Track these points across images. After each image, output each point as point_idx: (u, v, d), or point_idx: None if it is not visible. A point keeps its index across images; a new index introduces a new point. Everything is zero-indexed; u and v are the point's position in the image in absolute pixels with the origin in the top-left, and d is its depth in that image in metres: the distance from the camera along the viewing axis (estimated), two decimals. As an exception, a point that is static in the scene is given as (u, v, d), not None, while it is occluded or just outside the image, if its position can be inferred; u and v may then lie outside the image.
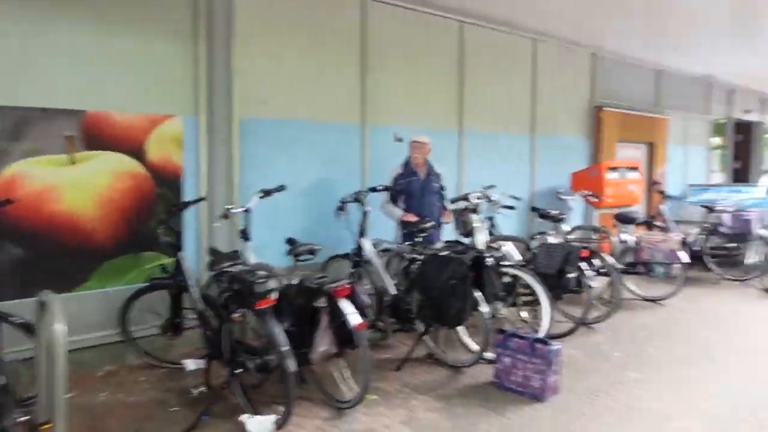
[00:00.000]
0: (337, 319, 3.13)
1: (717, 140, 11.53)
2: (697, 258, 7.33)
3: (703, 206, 7.42)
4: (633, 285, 6.15)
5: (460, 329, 4.08)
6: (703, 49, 8.25)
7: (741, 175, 12.24)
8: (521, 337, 3.54)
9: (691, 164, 10.01)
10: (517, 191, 6.52)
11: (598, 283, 4.72)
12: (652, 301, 5.96)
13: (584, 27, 7.06)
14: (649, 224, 7.43)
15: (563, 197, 6.36)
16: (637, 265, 5.90)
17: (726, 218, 6.84)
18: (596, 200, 6.53)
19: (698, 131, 10.24)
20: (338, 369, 3.35)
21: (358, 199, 4.44)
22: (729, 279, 7.00)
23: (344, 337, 3.15)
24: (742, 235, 6.75)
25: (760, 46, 8.30)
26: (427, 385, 3.71)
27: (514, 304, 4.75)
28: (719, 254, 7.15)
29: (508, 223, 5.97)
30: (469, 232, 4.41)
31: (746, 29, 7.38)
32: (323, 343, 3.12)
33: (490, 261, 3.77)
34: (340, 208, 4.40)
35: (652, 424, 3.20)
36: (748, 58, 8.89)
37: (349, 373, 3.36)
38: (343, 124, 5.25)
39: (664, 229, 7.51)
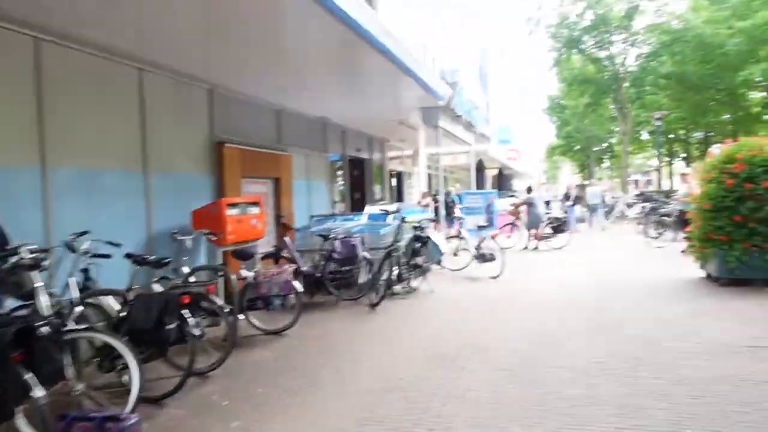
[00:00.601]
0: None
1: (340, 174, 13.08)
2: (321, 283, 7.96)
3: (319, 235, 8.11)
4: (257, 320, 6.16)
5: (20, 421, 3.18)
6: (315, 93, 9.18)
7: (360, 204, 14.19)
8: (87, 419, 2.92)
9: (315, 197, 11.00)
10: (128, 235, 5.83)
11: (200, 330, 4.43)
12: (275, 333, 6.07)
13: (198, 61, 6.93)
14: (276, 257, 7.70)
15: (179, 237, 5.97)
16: (257, 300, 5.93)
17: (337, 245, 7.57)
18: (216, 238, 6.36)
19: (319, 167, 11.35)
20: None
21: None
22: (346, 299, 7.78)
23: None
24: (350, 258, 7.58)
25: (358, 96, 9.74)
26: None
27: (111, 369, 4.09)
28: (336, 278, 7.89)
29: (119, 274, 5.21)
30: (29, 294, 3.54)
31: (348, 80, 8.53)
32: None
33: (44, 330, 3.02)
34: None
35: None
36: (351, 104, 10.35)
37: None
38: None
39: (291, 260, 7.91)
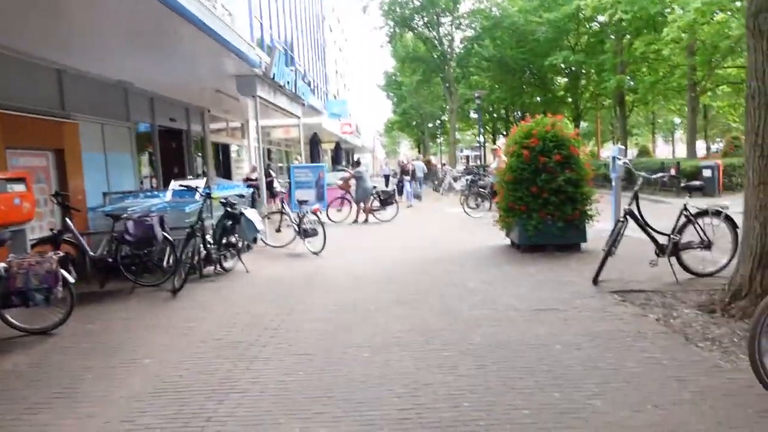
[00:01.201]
0: None
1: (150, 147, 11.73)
2: (115, 269, 6.98)
3: (108, 215, 7.08)
4: (16, 319, 5.12)
5: None
6: (107, 54, 7.91)
7: (180, 178, 12.97)
8: None
9: (116, 172, 9.70)
10: None
11: None
12: (41, 333, 5.10)
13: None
14: (56, 242, 6.54)
15: None
16: (11, 295, 4.89)
17: (130, 225, 6.65)
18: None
19: (120, 138, 10.02)
20: None
21: None
22: (145, 285, 6.92)
23: None
24: (146, 240, 6.71)
25: (162, 59, 8.63)
26: None
27: None
28: (134, 262, 6.97)
29: None
30: None
31: (144, 40, 7.40)
32: None
33: None
34: None
35: None
36: (156, 68, 9.17)
37: None
38: None
39: (75, 245, 6.80)
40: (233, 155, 18.09)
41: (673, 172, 18.20)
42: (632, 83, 26.32)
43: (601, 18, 27.82)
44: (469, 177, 18.13)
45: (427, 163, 34.55)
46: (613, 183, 9.76)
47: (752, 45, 4.40)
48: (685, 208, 6.15)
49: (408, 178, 19.81)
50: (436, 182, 27.02)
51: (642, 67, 26.32)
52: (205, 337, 4.88)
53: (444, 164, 31.06)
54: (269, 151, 20.79)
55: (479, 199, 15.24)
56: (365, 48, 50.50)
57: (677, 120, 48.87)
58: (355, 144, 40.27)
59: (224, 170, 16.89)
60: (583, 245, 8.25)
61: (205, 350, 4.53)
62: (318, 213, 9.58)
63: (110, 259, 6.86)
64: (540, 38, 27.26)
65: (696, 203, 6.34)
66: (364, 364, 4.03)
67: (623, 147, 10.07)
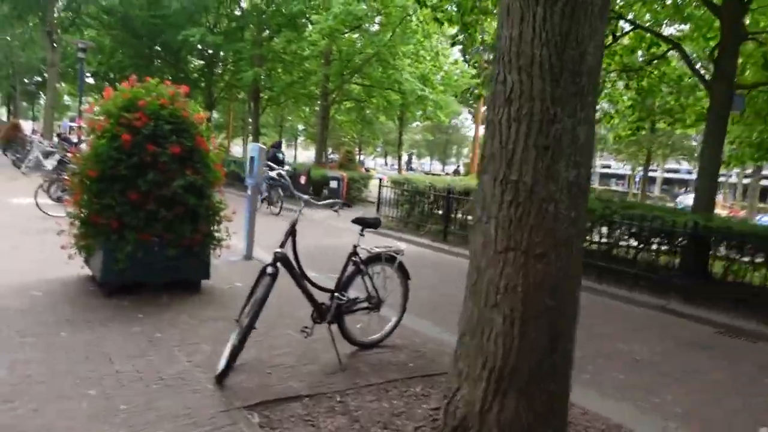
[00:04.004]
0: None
1: None
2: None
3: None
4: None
5: None
6: None
7: None
8: None
9: None
10: None
11: None
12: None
13: None
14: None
15: None
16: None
17: None
18: None
19: None
20: None
21: None
22: None
23: None
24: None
25: None
26: None
27: None
28: None
29: None
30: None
31: None
32: None
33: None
34: None
35: None
36: None
37: None
38: None
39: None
40: None
41: (302, 180, 17.60)
42: (269, 80, 25.41)
43: (243, 4, 26.16)
44: (57, 155, 13.27)
45: (12, 128, 26.33)
46: (249, 192, 7.54)
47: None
48: (355, 253, 4.21)
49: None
50: (18, 155, 20.19)
51: (279, 66, 25.71)
52: None
53: (36, 132, 23.87)
54: None
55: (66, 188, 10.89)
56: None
57: (301, 126, 51.96)
58: None
59: None
60: (205, 284, 5.66)
61: None
62: None
63: None
64: (171, 6, 23.50)
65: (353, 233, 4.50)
66: None
67: (264, 146, 7.93)
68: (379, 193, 14.28)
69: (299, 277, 3.87)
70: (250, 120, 32.79)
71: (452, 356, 2.92)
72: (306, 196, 4.01)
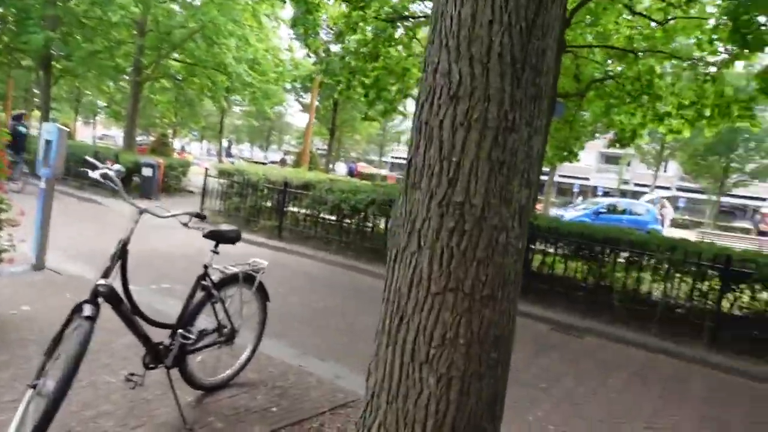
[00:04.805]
0: None
1: None
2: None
3: None
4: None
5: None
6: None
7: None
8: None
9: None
10: None
11: None
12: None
13: None
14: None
15: None
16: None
17: None
18: None
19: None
20: None
21: None
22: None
23: None
24: None
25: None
26: None
27: None
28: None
29: None
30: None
31: None
32: None
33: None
34: None
35: None
36: None
37: None
38: None
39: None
40: None
41: (112, 165, 15.12)
42: (65, 47, 21.49)
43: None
44: None
45: None
46: (42, 185, 5.93)
47: None
48: (205, 275, 3.27)
49: None
50: None
51: (78, 32, 21.92)
52: None
53: None
54: None
55: None
56: None
57: (101, 103, 45.44)
58: None
59: None
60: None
61: None
62: None
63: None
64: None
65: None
66: None
67: (67, 128, 6.26)
68: (205, 183, 12.82)
69: (129, 315, 2.83)
70: (36, 92, 27.66)
71: (357, 421, 2.25)
72: (144, 206, 2.95)
